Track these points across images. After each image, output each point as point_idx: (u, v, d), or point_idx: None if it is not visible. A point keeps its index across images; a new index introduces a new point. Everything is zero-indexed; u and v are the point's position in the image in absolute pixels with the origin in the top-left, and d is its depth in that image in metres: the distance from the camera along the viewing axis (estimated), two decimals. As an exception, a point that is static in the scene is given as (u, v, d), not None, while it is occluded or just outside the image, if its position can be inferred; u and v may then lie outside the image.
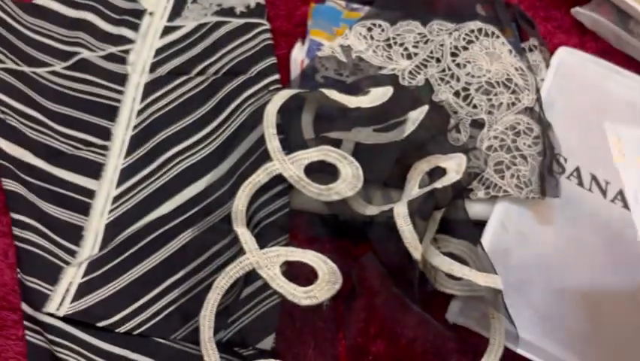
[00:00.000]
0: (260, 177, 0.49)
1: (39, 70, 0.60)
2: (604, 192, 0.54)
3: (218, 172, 0.54)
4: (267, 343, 0.44)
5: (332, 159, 0.49)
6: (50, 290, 0.47)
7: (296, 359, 0.46)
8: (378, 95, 0.53)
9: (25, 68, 0.59)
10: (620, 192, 0.54)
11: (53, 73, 0.60)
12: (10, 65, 0.59)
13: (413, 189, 0.49)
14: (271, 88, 0.58)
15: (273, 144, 0.50)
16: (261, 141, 0.53)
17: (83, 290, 0.47)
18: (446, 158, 0.51)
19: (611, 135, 0.48)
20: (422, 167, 0.51)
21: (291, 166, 0.49)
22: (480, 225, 0.51)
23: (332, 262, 0.46)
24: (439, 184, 0.47)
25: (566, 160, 0.55)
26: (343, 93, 0.53)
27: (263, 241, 0.48)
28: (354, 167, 0.48)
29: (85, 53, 0.61)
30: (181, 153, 0.55)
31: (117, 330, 0.46)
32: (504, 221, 0.51)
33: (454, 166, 0.49)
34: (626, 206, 0.53)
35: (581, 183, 0.54)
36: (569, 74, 0.62)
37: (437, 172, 0.50)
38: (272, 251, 0.46)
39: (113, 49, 0.62)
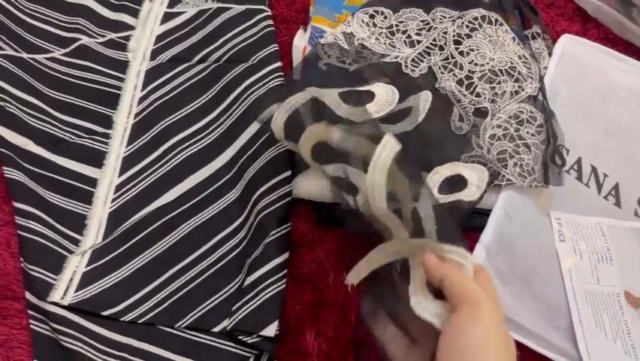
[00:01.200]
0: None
1: (38, 56, 0.59)
2: (599, 187, 0.54)
3: (220, 161, 0.54)
4: (271, 330, 0.44)
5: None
6: (54, 279, 0.47)
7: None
8: (383, 101, 0.52)
9: (24, 55, 0.59)
10: (615, 188, 0.54)
11: (52, 59, 0.59)
12: (9, 52, 0.58)
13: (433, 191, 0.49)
14: (273, 75, 0.58)
15: None
16: (262, 130, 0.53)
17: (86, 279, 0.47)
18: (469, 168, 0.51)
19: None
20: (444, 172, 0.51)
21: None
22: (484, 214, 0.51)
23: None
24: (464, 197, 0.48)
25: (568, 151, 0.55)
26: (346, 87, 0.52)
27: (265, 230, 0.48)
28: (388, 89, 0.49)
29: (84, 39, 0.61)
30: (183, 141, 0.55)
31: (122, 319, 0.46)
32: (508, 210, 0.51)
33: (476, 180, 0.50)
34: (617, 204, 0.54)
35: (579, 177, 0.54)
36: (572, 62, 0.62)
37: (458, 180, 0.50)
38: None
39: (112, 35, 0.62)
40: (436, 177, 0.51)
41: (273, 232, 0.48)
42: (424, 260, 0.36)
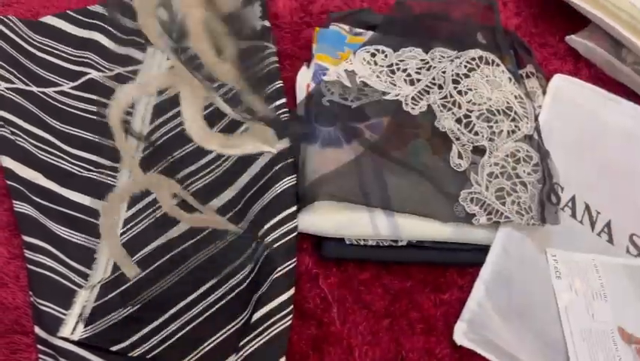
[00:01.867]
0: None
1: (48, 90, 0.60)
2: (592, 224, 0.56)
3: (227, 196, 0.55)
4: (278, 366, 0.45)
5: None
6: (64, 314, 0.47)
7: None
8: None
9: (34, 88, 0.60)
10: (607, 225, 0.57)
11: (62, 93, 0.60)
12: (19, 85, 0.59)
13: None
14: (279, 112, 0.59)
15: None
16: (270, 164, 0.55)
17: (96, 314, 0.48)
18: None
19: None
20: None
21: None
22: (484, 250, 0.53)
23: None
24: None
25: (562, 189, 0.57)
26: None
27: (272, 266, 0.50)
28: None
29: (93, 73, 0.62)
30: (193, 173, 0.56)
31: (130, 354, 0.47)
32: (506, 246, 0.53)
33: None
34: (609, 240, 0.56)
35: (574, 215, 0.56)
36: (564, 102, 0.65)
37: None
38: None
39: (120, 69, 0.63)
40: None
41: (280, 268, 0.49)
42: None
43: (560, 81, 0.66)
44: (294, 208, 0.53)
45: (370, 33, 0.67)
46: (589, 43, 0.70)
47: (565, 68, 0.71)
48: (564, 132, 0.62)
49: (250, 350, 0.46)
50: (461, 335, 0.49)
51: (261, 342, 0.47)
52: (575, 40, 0.72)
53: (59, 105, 0.59)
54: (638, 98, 0.67)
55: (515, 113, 0.59)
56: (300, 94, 0.63)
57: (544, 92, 0.65)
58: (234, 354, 0.46)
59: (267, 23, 0.67)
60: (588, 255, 0.54)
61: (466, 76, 0.62)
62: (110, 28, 0.66)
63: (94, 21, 0.66)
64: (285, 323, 0.48)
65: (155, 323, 0.48)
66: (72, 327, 0.47)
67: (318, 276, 0.53)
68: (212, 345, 0.48)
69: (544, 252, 0.54)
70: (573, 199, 0.57)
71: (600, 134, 0.63)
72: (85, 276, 0.50)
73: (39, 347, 0.47)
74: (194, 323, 0.48)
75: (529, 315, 0.50)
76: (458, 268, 0.54)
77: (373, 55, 0.65)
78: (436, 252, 0.54)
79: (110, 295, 0.49)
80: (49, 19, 0.66)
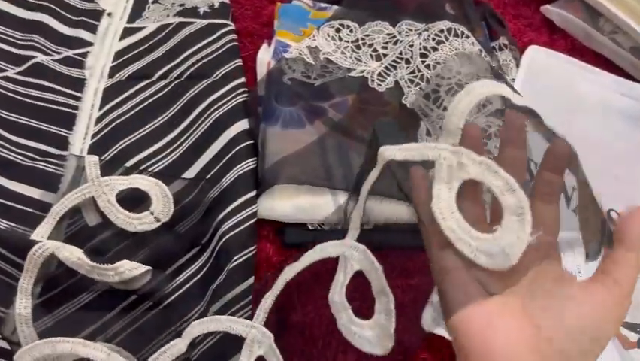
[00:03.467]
0: None
1: (-10, 76, 0.57)
2: (568, 200, 0.53)
3: (184, 180, 0.52)
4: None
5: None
6: (4, 313, 0.44)
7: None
8: None
9: (-24, 74, 0.56)
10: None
11: (6, 79, 0.57)
12: (-41, 71, 0.56)
13: None
14: (237, 91, 0.56)
15: None
16: (229, 145, 0.52)
17: (37, 312, 0.45)
18: None
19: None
20: None
21: None
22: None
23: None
24: None
25: (536, 165, 0.54)
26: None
27: (228, 255, 0.47)
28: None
29: (40, 57, 0.58)
30: (142, 161, 0.53)
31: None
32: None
33: None
34: None
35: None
36: (539, 74, 0.61)
37: None
38: (105, 180, 0.49)
39: (69, 52, 0.60)
40: None
41: (237, 257, 0.47)
42: None
43: (534, 53, 0.63)
44: (253, 193, 0.50)
45: (335, 7, 0.64)
46: (565, 13, 0.67)
47: (540, 39, 0.67)
48: (539, 106, 0.59)
49: (208, 345, 0.44)
50: (430, 321, 0.47)
51: (219, 336, 0.44)
52: (551, 10, 0.68)
53: (3, 92, 0.56)
54: (615, 68, 0.64)
55: (486, 86, 0.56)
56: (261, 73, 0.59)
57: (517, 65, 0.62)
58: (189, 349, 0.44)
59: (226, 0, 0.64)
60: (563, 233, 0.52)
61: (435, 49, 0.58)
62: (57, 9, 0.62)
63: (40, 1, 0.62)
64: (245, 313, 0.45)
65: (104, 319, 0.45)
66: (12, 327, 0.44)
67: (281, 264, 0.50)
68: (166, 340, 0.45)
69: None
70: (547, 175, 0.54)
71: (576, 106, 0.60)
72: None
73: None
74: (144, 318, 0.45)
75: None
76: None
77: (338, 30, 0.61)
78: (403, 235, 0.51)
79: (54, 291, 0.46)
80: (-7, 2, 0.62)
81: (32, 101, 0.56)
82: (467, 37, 0.59)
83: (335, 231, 0.50)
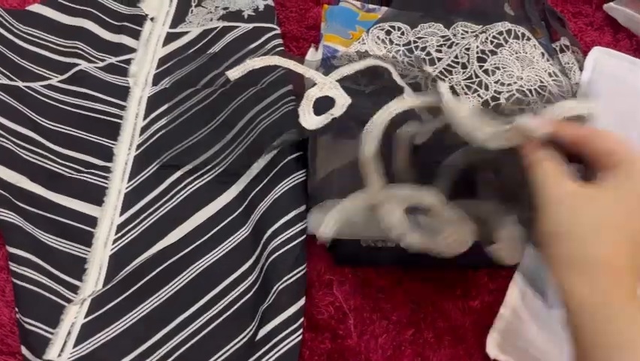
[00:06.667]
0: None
1: (34, 84, 0.55)
2: None
3: (229, 195, 0.50)
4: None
5: None
6: (51, 333, 0.43)
7: None
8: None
9: (20, 83, 0.55)
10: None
11: (49, 87, 0.56)
12: (3, 80, 0.55)
13: None
14: (284, 100, 0.53)
15: None
16: (275, 161, 0.49)
17: (85, 332, 0.43)
18: None
19: None
20: None
21: None
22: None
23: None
24: None
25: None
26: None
27: (278, 274, 0.45)
28: None
29: (83, 64, 0.57)
30: (188, 174, 0.51)
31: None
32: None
33: None
34: None
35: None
36: (605, 78, 0.57)
37: None
38: None
39: (112, 59, 0.58)
40: None
41: (287, 277, 0.44)
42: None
43: (598, 54, 0.59)
44: (302, 208, 0.48)
45: (385, 9, 0.61)
46: (630, 11, 0.63)
47: (603, 39, 0.63)
48: (605, 111, 0.55)
49: None
50: (495, 346, 0.44)
51: (272, 359, 0.42)
52: (614, 7, 0.64)
53: (47, 100, 0.55)
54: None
55: (550, 92, 0.53)
56: (308, 80, 0.57)
57: (581, 68, 0.58)
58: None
59: (270, 2, 0.62)
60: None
61: (493, 53, 0.55)
62: (99, 14, 0.60)
63: (82, 7, 0.61)
64: (295, 338, 0.43)
65: (151, 341, 0.43)
66: (59, 348, 0.42)
67: (332, 283, 0.47)
68: None
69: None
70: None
71: (645, 112, 0.56)
72: (74, 289, 0.46)
73: (25, 369, 0.43)
74: (193, 340, 0.43)
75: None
76: (488, 270, 0.48)
77: (388, 33, 0.58)
78: (463, 254, 0.48)
79: (100, 311, 0.44)
80: (37, 8, 0.61)
81: (76, 110, 0.55)
82: (528, 39, 0.56)
83: (388, 248, 0.48)
